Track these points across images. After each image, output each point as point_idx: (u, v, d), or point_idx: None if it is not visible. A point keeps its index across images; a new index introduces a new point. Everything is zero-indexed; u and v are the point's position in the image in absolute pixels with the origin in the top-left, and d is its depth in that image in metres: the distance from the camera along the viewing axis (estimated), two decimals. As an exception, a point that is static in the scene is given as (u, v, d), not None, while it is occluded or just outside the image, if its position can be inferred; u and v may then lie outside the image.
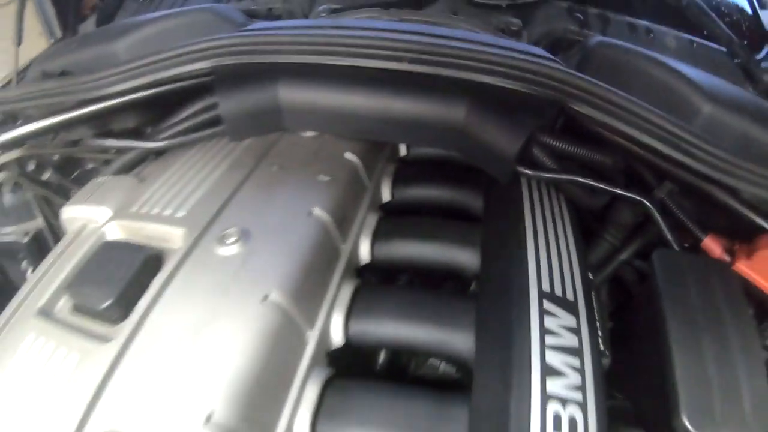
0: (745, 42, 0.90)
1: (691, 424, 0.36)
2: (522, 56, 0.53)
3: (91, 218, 0.55)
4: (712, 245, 0.52)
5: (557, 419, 0.36)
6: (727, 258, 0.52)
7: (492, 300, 0.45)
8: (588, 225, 0.59)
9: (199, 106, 0.62)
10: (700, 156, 0.50)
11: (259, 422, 0.36)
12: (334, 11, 0.74)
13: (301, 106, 0.55)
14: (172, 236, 0.46)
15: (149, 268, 0.43)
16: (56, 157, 0.74)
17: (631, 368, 0.46)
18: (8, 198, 0.74)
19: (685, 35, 0.81)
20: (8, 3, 1.51)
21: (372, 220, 0.53)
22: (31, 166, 0.70)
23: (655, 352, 0.41)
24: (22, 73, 1.10)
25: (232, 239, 0.43)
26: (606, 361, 0.45)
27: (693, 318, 0.41)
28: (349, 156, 0.56)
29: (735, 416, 0.37)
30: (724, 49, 0.78)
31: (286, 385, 0.39)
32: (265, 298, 0.39)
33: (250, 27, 0.63)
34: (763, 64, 0.88)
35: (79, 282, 0.44)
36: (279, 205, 0.47)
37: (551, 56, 0.57)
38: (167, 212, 0.48)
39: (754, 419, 0.37)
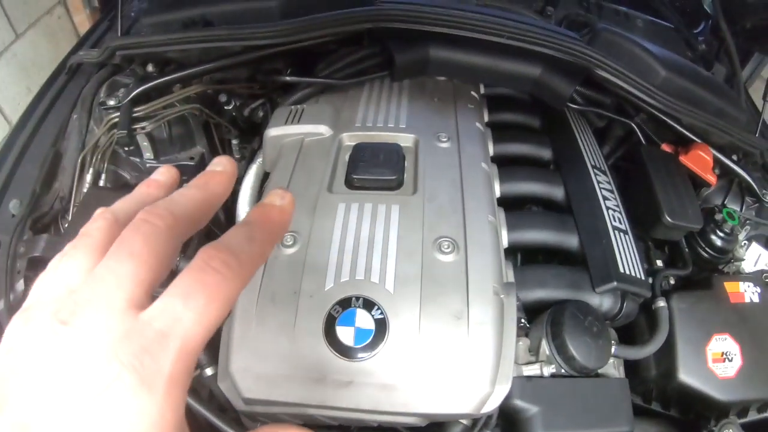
0: (688, 20, 1.55)
1: (670, 218, 0.91)
2: (567, 39, 1.02)
3: (309, 133, 0.92)
4: (666, 148, 1.09)
5: (613, 216, 0.87)
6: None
7: (568, 170, 0.96)
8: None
9: (360, 55, 1.01)
10: (659, 100, 1.05)
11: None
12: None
13: (444, 60, 0.99)
14: (403, 139, 0.87)
15: (404, 157, 0.84)
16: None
17: (632, 202, 0.99)
18: (175, 128, 1.03)
19: (648, 17, 1.41)
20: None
21: (488, 131, 1.00)
22: (223, 98, 1.01)
23: (646, 190, 0.95)
24: (104, 22, 1.30)
25: (445, 138, 0.87)
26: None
27: (661, 172, 0.96)
28: (473, 93, 1.01)
29: (687, 214, 0.93)
30: (672, 26, 1.41)
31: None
32: (480, 167, 0.84)
33: (392, 1, 1.03)
34: (701, 37, 1.53)
35: (359, 168, 0.81)
36: (457, 121, 0.92)
37: (579, 37, 1.08)
38: (391, 125, 0.89)
39: (692, 217, 0.94)
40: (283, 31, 0.99)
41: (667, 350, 0.87)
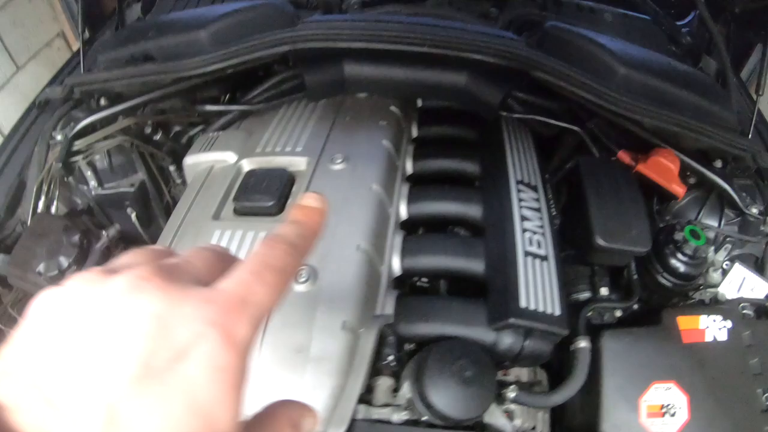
0: (672, 10, 1.33)
1: (602, 240, 0.76)
2: (500, 41, 0.90)
3: (218, 160, 0.89)
4: (623, 156, 0.93)
5: (530, 240, 0.75)
6: (633, 164, 0.92)
7: (489, 186, 0.84)
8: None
9: (278, 78, 0.96)
10: (613, 101, 0.89)
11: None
12: (364, 4, 1.09)
13: (360, 77, 0.91)
14: (297, 162, 0.81)
15: (290, 182, 0.78)
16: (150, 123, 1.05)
17: (570, 224, 0.85)
18: (116, 158, 1.05)
19: (619, 10, 1.22)
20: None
21: (410, 148, 0.90)
22: (147, 130, 1.02)
23: (580, 208, 0.81)
24: (76, 58, 1.38)
25: (339, 160, 0.80)
26: (557, 221, 0.84)
27: (601, 186, 0.81)
28: (393, 108, 0.92)
29: (626, 236, 0.78)
30: (649, 18, 1.20)
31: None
32: (370, 189, 0.76)
33: (310, 20, 0.97)
34: (686, 29, 1.31)
35: (242, 195, 0.77)
36: (361, 140, 0.84)
37: (518, 38, 0.95)
38: (288, 149, 0.83)
39: (636, 239, 0.78)
40: (206, 60, 0.96)
41: (592, 399, 0.72)
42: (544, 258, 0.75)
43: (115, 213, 1.09)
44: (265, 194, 0.76)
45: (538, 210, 0.80)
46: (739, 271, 0.89)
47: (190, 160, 0.91)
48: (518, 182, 0.83)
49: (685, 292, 0.86)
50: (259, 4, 1.04)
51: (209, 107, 0.99)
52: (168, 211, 1.12)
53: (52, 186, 1.04)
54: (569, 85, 0.89)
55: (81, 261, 0.87)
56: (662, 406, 0.71)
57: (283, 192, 0.76)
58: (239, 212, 0.77)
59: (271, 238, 0.30)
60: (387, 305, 0.69)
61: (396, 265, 0.75)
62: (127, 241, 1.05)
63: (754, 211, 0.90)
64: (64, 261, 0.86)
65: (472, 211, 0.82)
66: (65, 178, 1.01)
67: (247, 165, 0.85)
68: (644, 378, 0.72)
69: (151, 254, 0.28)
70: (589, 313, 0.78)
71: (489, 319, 0.69)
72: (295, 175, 0.80)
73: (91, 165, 1.03)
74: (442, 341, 0.65)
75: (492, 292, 0.71)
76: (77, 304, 0.24)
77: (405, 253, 0.75)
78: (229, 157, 0.87)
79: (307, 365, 0.58)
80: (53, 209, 1.05)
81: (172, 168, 1.07)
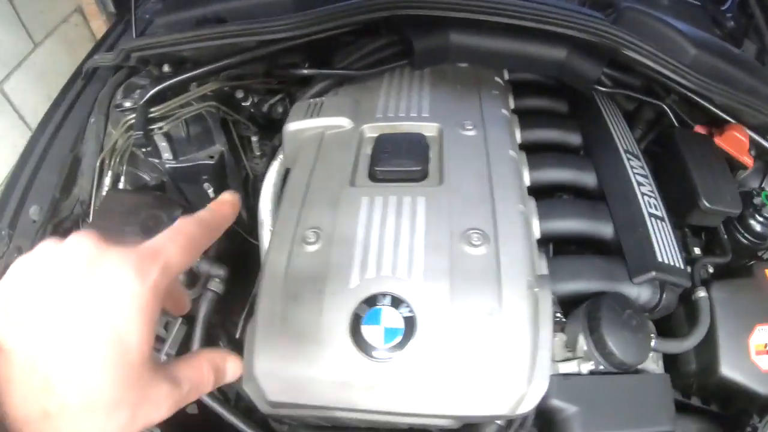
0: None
1: (707, 202, 0.85)
2: (594, 20, 0.96)
3: (329, 126, 0.87)
4: (701, 130, 1.02)
5: (649, 203, 0.82)
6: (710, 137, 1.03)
7: (600, 156, 0.90)
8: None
9: (377, 44, 0.96)
10: (691, 79, 0.98)
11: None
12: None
13: (465, 46, 0.93)
14: (427, 128, 0.82)
15: (427, 145, 0.80)
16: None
17: (666, 190, 0.94)
18: (193, 128, 1.00)
19: None
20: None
21: (515, 118, 0.95)
22: (240, 94, 0.97)
23: (681, 175, 0.89)
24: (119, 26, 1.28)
25: (470, 126, 0.82)
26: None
27: (697, 156, 0.90)
28: (497, 78, 0.96)
29: (725, 199, 0.87)
30: (699, 3, 1.33)
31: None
32: (508, 154, 0.79)
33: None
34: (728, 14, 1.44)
35: (383, 161, 0.77)
36: (483, 106, 0.87)
37: (605, 18, 1.02)
38: (413, 114, 0.84)
39: (732, 201, 0.87)
40: (297, 23, 0.94)
41: (708, 343, 0.81)
42: (662, 219, 0.82)
43: (188, 188, 1.03)
44: (408, 159, 0.76)
45: (646, 176, 0.88)
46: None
47: (293, 126, 0.89)
48: (625, 151, 0.89)
49: (755, 251, 0.98)
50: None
51: (308, 71, 0.97)
52: (245, 186, 1.09)
53: (117, 160, 0.98)
54: (656, 64, 0.96)
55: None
56: (766, 345, 0.81)
57: (425, 156, 0.78)
58: (378, 178, 0.77)
59: (187, 217, 0.40)
60: (542, 266, 0.73)
61: (536, 228, 0.79)
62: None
63: (812, 182, 1.03)
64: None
65: (587, 178, 0.88)
66: (143, 149, 0.95)
67: (369, 131, 0.85)
68: (748, 321, 0.82)
69: None
70: (701, 269, 0.87)
71: (631, 274, 0.75)
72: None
73: (167, 135, 0.98)
74: (602, 296, 0.70)
75: (628, 251, 0.78)
76: (42, 265, 0.34)
77: (541, 217, 0.79)
78: (344, 122, 0.86)
79: (502, 327, 0.60)
80: (120, 186, 0.98)
81: (254, 139, 1.04)
